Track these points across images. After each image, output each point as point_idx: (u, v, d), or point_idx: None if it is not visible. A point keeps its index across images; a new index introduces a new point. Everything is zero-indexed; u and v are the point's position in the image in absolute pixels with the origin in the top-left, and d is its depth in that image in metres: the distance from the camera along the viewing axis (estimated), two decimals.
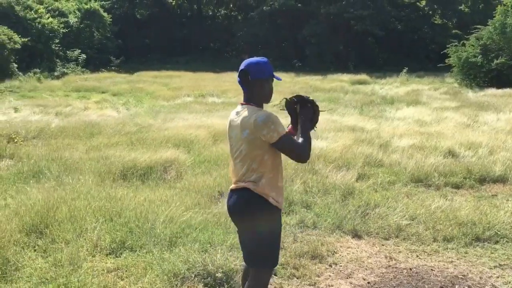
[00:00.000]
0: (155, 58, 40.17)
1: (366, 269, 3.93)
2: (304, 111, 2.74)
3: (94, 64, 31.44)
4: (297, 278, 3.75)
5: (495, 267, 3.97)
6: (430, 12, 41.04)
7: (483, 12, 39.51)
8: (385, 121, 11.79)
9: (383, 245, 4.44)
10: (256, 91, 2.66)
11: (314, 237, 4.50)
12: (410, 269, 3.92)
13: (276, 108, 2.93)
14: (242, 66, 2.69)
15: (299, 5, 38.96)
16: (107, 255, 4.02)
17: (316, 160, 7.12)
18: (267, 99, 2.71)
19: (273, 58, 42.25)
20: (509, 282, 3.66)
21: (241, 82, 2.71)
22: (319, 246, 4.25)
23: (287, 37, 40.99)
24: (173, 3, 46.89)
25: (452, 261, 4.08)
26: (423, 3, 41.78)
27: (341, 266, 4.00)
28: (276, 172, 2.67)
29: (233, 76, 29.51)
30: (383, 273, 3.87)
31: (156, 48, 42.59)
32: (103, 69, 30.82)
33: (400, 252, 4.28)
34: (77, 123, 10.62)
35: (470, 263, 4.05)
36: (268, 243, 2.68)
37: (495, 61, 20.10)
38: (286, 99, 2.82)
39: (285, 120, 2.90)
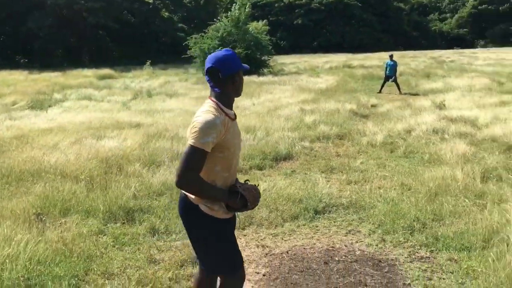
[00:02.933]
0: None
1: (250, 262, 3.83)
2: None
3: None
4: None
5: (347, 234, 4.42)
6: (159, 6, 42.42)
7: (204, 7, 43.26)
8: (158, 114, 11.67)
9: (245, 235, 4.40)
10: (228, 88, 2.40)
11: (179, 242, 4.15)
12: (287, 252, 4.01)
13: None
14: (209, 63, 2.39)
15: None
16: None
17: (123, 161, 6.59)
18: (239, 92, 2.49)
19: None
20: (371, 245, 4.13)
21: (211, 80, 2.41)
22: (189, 252, 3.93)
23: (7, 31, 36.11)
24: None
25: (312, 237, 4.36)
26: None
27: None
28: (214, 177, 2.38)
29: None
30: (267, 262, 3.85)
31: None
32: None
33: (264, 238, 4.33)
34: None
35: (327, 235, 4.40)
36: (214, 251, 2.47)
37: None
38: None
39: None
